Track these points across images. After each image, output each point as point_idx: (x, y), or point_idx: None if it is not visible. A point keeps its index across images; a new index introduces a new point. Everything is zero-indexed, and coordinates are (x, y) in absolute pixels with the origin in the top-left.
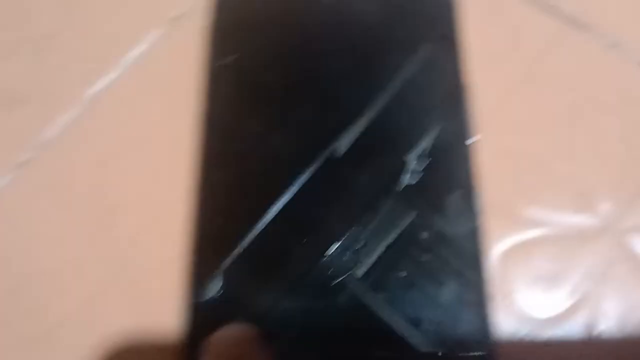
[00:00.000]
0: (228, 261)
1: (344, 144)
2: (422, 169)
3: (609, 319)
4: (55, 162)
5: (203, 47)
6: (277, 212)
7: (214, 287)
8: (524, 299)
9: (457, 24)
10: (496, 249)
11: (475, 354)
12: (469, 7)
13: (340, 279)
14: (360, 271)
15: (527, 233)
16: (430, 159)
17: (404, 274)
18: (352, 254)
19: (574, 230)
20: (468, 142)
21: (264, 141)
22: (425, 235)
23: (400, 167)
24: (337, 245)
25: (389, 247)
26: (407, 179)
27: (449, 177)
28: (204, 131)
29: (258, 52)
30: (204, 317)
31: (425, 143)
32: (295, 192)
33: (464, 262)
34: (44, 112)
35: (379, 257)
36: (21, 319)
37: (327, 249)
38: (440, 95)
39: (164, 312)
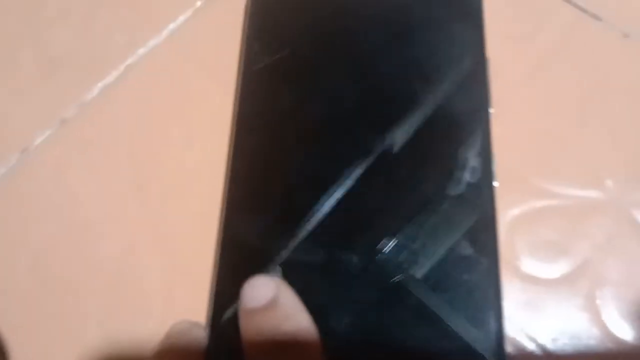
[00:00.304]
0: (283, 255)
1: (399, 137)
2: (480, 167)
3: (609, 286)
4: (95, 121)
5: (241, 24)
6: (331, 206)
7: None
8: (528, 264)
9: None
10: (506, 216)
11: None
12: None
13: (398, 277)
14: (420, 272)
15: (536, 203)
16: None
17: (467, 277)
18: (410, 254)
19: (580, 202)
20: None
21: (312, 131)
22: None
23: (461, 164)
24: (393, 244)
25: (451, 249)
26: (467, 177)
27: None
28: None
29: (300, 38)
30: None
31: (482, 138)
32: (349, 186)
33: None
34: (86, 75)
35: (441, 259)
36: (63, 264)
37: (382, 247)
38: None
39: (195, 273)
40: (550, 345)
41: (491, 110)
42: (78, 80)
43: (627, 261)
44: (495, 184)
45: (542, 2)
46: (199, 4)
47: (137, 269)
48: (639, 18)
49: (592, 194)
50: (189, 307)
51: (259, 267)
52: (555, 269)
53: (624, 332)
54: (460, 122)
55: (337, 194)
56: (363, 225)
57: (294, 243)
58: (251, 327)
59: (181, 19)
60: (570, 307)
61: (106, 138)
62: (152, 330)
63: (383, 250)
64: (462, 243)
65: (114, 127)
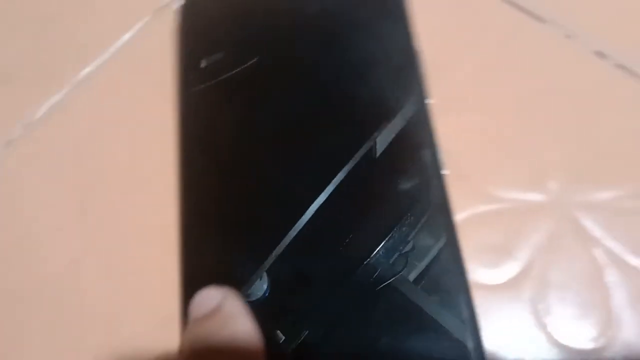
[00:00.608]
0: (267, 263)
1: (381, 142)
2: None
3: (553, 289)
4: (41, 139)
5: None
6: (313, 212)
7: (259, 289)
8: (473, 270)
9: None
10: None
11: None
12: None
13: (390, 280)
14: (412, 274)
15: (479, 207)
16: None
17: (461, 277)
18: (400, 256)
19: (524, 205)
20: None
21: (256, 148)
22: None
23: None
24: (381, 248)
25: (441, 250)
26: (417, 170)
27: None
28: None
29: (232, 52)
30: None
31: (424, 129)
32: (331, 191)
33: None
34: (34, 92)
35: (432, 260)
36: (10, 277)
37: (370, 252)
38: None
39: (139, 291)
40: (496, 351)
41: (430, 101)
42: (24, 99)
43: (571, 263)
44: (445, 172)
45: (485, 5)
46: (146, 19)
47: (81, 286)
48: (582, 19)
49: (535, 196)
50: (133, 324)
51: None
52: (500, 274)
53: (568, 336)
54: (400, 115)
55: (319, 199)
56: (347, 231)
57: (277, 251)
58: (191, 334)
59: (127, 36)
60: (516, 312)
61: (52, 156)
62: (95, 347)
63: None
64: (422, 235)
65: (60, 145)
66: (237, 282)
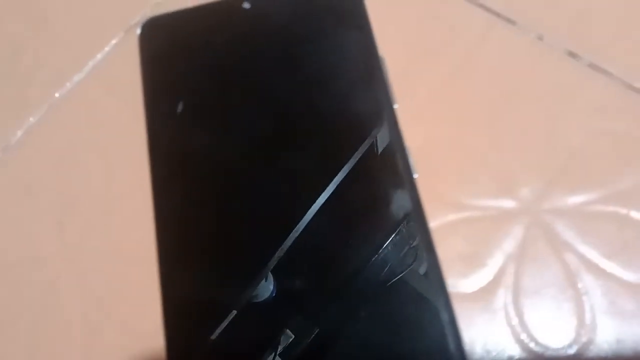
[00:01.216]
0: (272, 263)
1: (383, 138)
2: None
3: (525, 296)
4: (19, 162)
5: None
6: (318, 208)
7: (266, 290)
8: (446, 278)
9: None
10: None
11: None
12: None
13: (401, 274)
14: (422, 268)
15: (449, 216)
16: None
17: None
18: (410, 250)
19: (495, 212)
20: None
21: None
22: None
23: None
24: (389, 243)
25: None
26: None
27: None
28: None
29: (194, 80)
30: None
31: (391, 133)
32: (335, 187)
33: None
34: (9, 116)
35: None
36: None
37: (378, 248)
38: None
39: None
40: None
41: (395, 106)
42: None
43: (543, 269)
44: (415, 175)
45: (455, 8)
46: (118, 38)
47: (60, 304)
48: (553, 20)
49: (506, 203)
50: (113, 343)
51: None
52: (472, 283)
53: (542, 343)
54: (367, 121)
55: (324, 195)
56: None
57: (282, 251)
58: None
59: (100, 56)
60: (489, 320)
61: (29, 178)
62: None
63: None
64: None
65: (37, 167)
66: (242, 284)
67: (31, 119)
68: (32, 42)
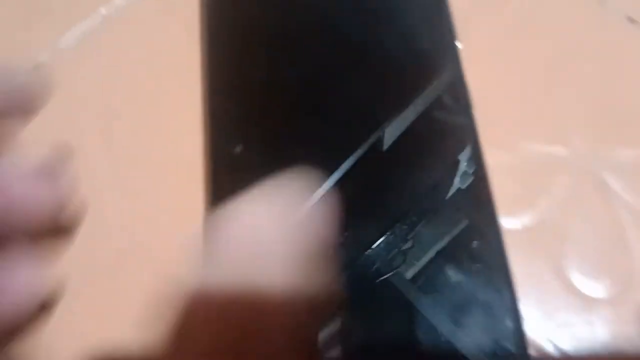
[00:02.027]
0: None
1: (389, 135)
2: (472, 172)
3: (572, 241)
4: (69, 65)
5: None
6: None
7: None
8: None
9: None
10: None
11: None
12: None
13: (387, 276)
14: (410, 272)
15: (503, 156)
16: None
17: (454, 279)
18: (399, 253)
19: (547, 159)
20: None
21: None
22: (475, 244)
23: (453, 168)
24: (382, 241)
25: (439, 253)
26: (458, 182)
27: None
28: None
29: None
30: None
31: (474, 143)
32: (336, 179)
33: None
34: (64, 20)
35: (430, 261)
36: None
37: (370, 244)
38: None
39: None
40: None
41: (459, 45)
42: (54, 26)
43: (590, 220)
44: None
45: None
46: None
47: (105, 215)
48: None
49: (559, 150)
50: (157, 253)
51: None
52: (519, 223)
53: (588, 289)
54: (433, 58)
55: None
56: (350, 220)
57: None
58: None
59: None
60: (533, 262)
61: (78, 82)
62: (127, 275)
63: (372, 247)
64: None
65: (87, 72)
66: None
67: (83, 26)
68: None
